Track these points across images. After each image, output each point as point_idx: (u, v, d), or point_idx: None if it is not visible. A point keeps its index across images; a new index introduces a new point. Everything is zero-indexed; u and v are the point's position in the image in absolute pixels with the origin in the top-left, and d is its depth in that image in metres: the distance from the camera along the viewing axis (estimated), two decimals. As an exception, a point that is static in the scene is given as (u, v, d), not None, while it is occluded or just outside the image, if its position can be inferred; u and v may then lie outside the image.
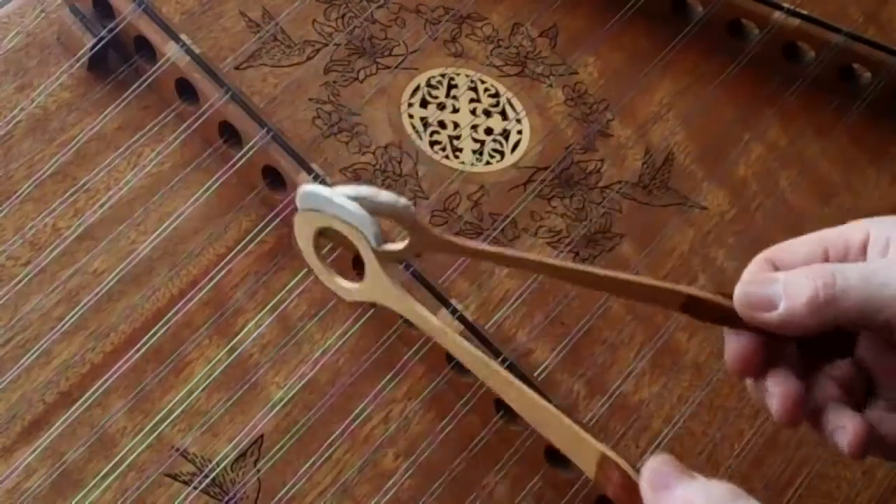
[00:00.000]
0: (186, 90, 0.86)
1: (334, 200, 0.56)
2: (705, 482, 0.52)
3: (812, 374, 0.60)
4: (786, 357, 0.59)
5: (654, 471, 0.53)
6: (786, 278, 0.58)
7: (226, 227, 0.84)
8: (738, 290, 0.58)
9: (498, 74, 0.94)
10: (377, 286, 0.57)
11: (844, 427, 0.58)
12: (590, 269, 0.58)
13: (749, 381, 0.60)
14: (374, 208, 0.56)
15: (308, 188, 0.56)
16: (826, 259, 0.59)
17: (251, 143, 0.83)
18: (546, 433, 0.57)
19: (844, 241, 0.60)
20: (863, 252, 0.59)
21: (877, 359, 0.60)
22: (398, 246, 0.58)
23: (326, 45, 0.92)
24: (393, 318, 0.81)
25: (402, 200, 0.57)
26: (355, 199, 0.56)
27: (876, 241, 0.59)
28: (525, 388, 0.56)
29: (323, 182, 0.81)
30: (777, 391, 0.58)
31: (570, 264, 0.59)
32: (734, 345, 0.59)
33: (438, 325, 0.57)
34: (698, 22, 0.96)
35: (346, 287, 0.59)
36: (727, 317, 0.58)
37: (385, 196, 0.56)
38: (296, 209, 0.58)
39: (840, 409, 0.59)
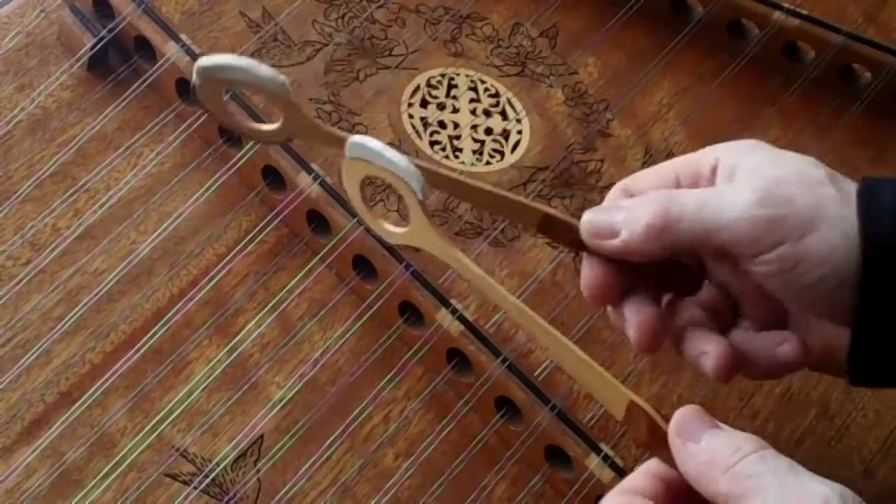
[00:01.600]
0: (186, 90, 0.86)
1: (385, 154, 0.58)
2: (731, 432, 0.52)
3: (675, 300, 0.61)
4: (644, 284, 0.59)
5: (682, 419, 0.53)
6: (629, 205, 0.58)
7: (226, 227, 0.84)
8: (585, 218, 0.59)
9: (498, 74, 0.94)
10: (422, 233, 0.60)
11: (707, 352, 0.59)
12: (458, 177, 0.61)
13: (609, 309, 0.61)
14: (252, 81, 0.59)
15: (359, 139, 0.59)
16: (677, 186, 0.60)
17: (251, 143, 0.83)
18: (579, 378, 0.58)
19: (696, 168, 0.61)
20: (712, 179, 0.60)
21: (733, 280, 0.61)
22: (271, 127, 0.62)
23: (326, 45, 0.92)
24: (393, 317, 0.81)
25: (281, 78, 0.59)
26: (231, 67, 0.59)
27: (724, 167, 0.60)
28: (559, 335, 0.57)
29: (323, 182, 0.82)
30: (633, 319, 0.59)
31: (445, 172, 0.61)
32: (588, 271, 0.59)
33: (479, 273, 0.59)
34: (698, 22, 0.96)
35: (391, 230, 0.62)
36: (581, 242, 0.59)
37: (265, 71, 0.58)
38: (344, 156, 0.60)
39: (702, 334, 0.60)
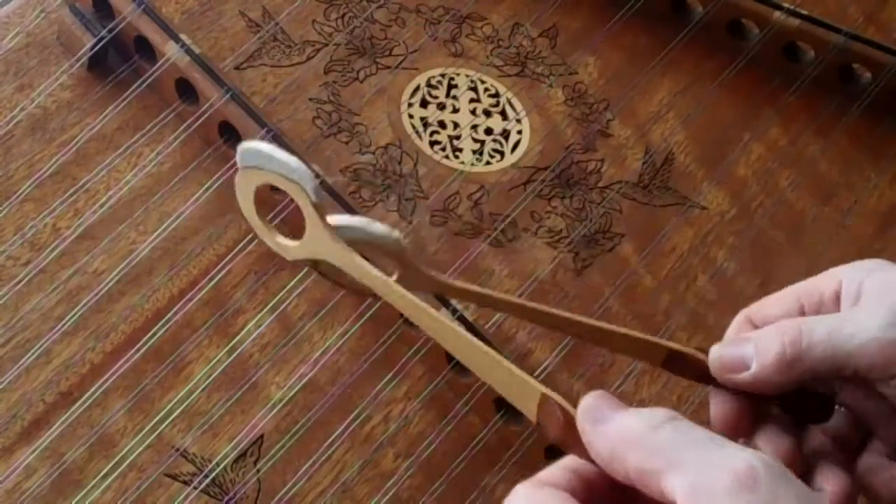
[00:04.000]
0: (186, 90, 0.86)
1: (274, 156, 0.55)
2: (640, 410, 0.50)
3: (802, 428, 0.60)
4: (775, 414, 0.58)
5: (589, 404, 0.51)
6: (756, 336, 0.57)
7: (226, 227, 0.84)
8: (713, 353, 0.58)
9: (498, 74, 0.94)
10: (318, 241, 0.56)
11: (823, 489, 0.57)
12: (577, 317, 0.58)
13: (741, 441, 0.59)
14: (366, 239, 0.56)
15: (247, 144, 0.55)
16: (802, 313, 0.59)
17: (251, 143, 0.83)
18: (489, 380, 0.55)
19: (818, 293, 0.59)
20: (836, 302, 0.59)
21: (866, 405, 0.59)
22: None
23: (326, 45, 0.92)
24: (393, 317, 0.81)
25: (395, 233, 0.56)
26: (347, 227, 0.56)
27: (848, 290, 0.58)
28: (468, 335, 0.54)
29: (323, 182, 0.81)
30: (768, 451, 0.57)
31: (556, 311, 0.58)
32: (718, 406, 0.58)
33: (380, 277, 0.56)
34: (698, 22, 0.96)
35: (286, 245, 0.58)
36: (709, 375, 0.58)
37: (378, 228, 0.56)
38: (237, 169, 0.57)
39: (825, 467, 0.58)
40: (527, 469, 0.78)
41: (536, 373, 0.80)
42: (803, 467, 0.59)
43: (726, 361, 0.57)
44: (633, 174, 0.91)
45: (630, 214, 0.90)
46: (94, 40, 0.86)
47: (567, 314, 0.58)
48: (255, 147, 0.56)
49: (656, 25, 0.97)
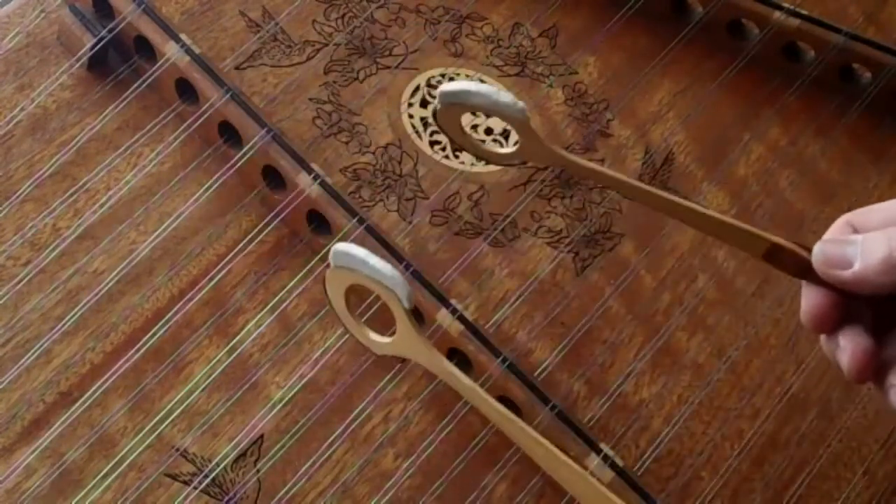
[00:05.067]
0: (186, 90, 0.86)
1: (369, 262, 0.58)
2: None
3: (885, 333, 0.62)
4: (860, 315, 0.60)
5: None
6: (863, 238, 0.59)
7: (226, 227, 0.84)
8: (817, 248, 0.60)
9: (498, 74, 0.94)
10: (409, 342, 0.60)
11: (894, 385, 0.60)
12: (686, 203, 0.61)
13: (823, 337, 0.62)
14: (493, 107, 0.60)
15: (343, 248, 0.58)
16: None
17: (251, 143, 0.83)
18: (576, 494, 0.59)
19: None
20: None
21: None
22: (506, 150, 0.65)
23: (326, 45, 0.92)
24: (393, 318, 0.81)
25: (520, 105, 0.61)
26: (474, 93, 0.60)
27: None
28: (553, 448, 0.58)
29: (322, 182, 0.81)
30: (849, 347, 0.60)
31: (663, 193, 0.61)
32: (811, 300, 0.61)
33: (469, 384, 0.59)
34: (698, 22, 0.96)
35: (377, 341, 0.62)
36: (806, 270, 0.60)
37: (504, 98, 0.61)
38: (328, 265, 0.60)
39: None
40: (527, 469, 0.78)
41: (536, 373, 0.80)
42: (882, 371, 0.61)
43: (830, 257, 0.59)
44: (633, 174, 0.91)
45: (630, 214, 0.90)
46: (94, 40, 0.86)
47: (679, 199, 0.61)
48: (349, 250, 0.58)
49: (656, 25, 0.97)
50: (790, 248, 0.61)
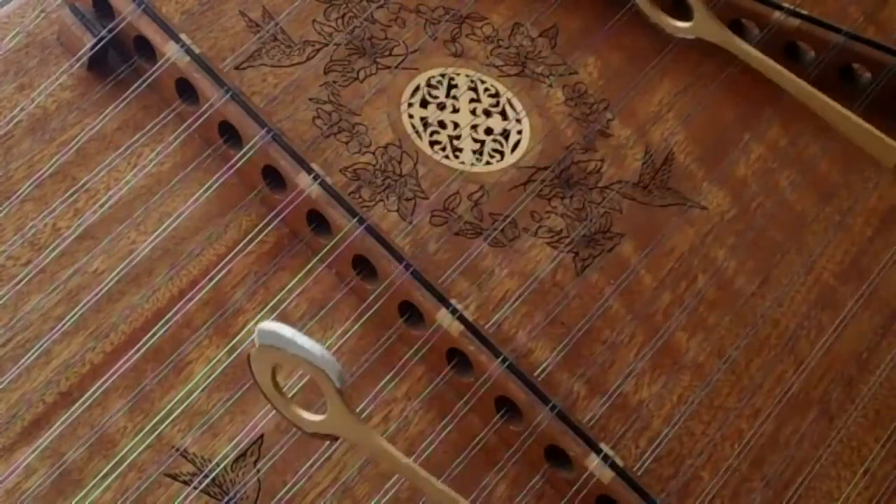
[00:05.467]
0: (186, 90, 0.86)
1: (296, 341, 0.56)
2: None
3: None
4: None
5: None
6: None
7: (226, 227, 0.84)
8: None
9: (498, 74, 0.94)
10: (341, 422, 0.59)
11: None
12: (826, 99, 0.58)
13: None
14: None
15: (269, 326, 0.57)
16: None
17: (251, 143, 0.83)
18: None
19: None
20: None
21: None
22: None
23: (326, 45, 0.92)
24: (393, 317, 0.81)
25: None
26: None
27: None
28: None
29: (322, 182, 0.81)
30: None
31: (816, 92, 0.59)
32: None
33: (405, 462, 0.60)
34: (698, 22, 0.96)
35: (307, 419, 0.61)
36: None
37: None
38: (254, 343, 0.58)
39: None
40: (527, 469, 0.78)
41: (536, 373, 0.80)
42: None
43: None
44: (633, 174, 0.91)
45: (630, 214, 0.90)
46: (94, 40, 0.86)
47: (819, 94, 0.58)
48: (275, 329, 0.57)
49: (656, 25, 0.97)
50: None
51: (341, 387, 0.57)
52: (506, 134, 0.91)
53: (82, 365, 0.78)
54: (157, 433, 0.76)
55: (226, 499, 0.75)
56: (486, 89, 0.93)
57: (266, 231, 0.84)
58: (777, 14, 0.94)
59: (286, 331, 0.56)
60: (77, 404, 0.76)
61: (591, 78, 0.96)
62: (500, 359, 0.78)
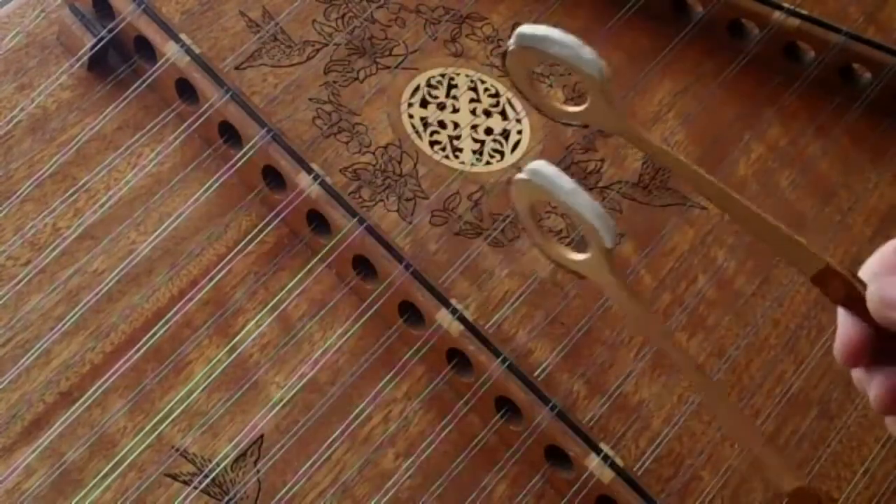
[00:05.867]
0: (186, 90, 0.86)
1: (578, 195, 0.54)
2: None
3: None
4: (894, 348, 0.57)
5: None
6: None
7: (226, 227, 0.84)
8: (873, 289, 0.56)
9: (498, 74, 0.94)
10: (598, 270, 0.56)
11: None
12: (743, 201, 0.57)
13: (855, 371, 0.58)
14: (572, 60, 0.58)
15: (536, 165, 0.55)
16: None
17: (251, 143, 0.83)
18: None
19: None
20: None
21: None
22: (575, 109, 0.61)
23: (326, 45, 0.92)
24: (393, 317, 0.81)
25: (601, 64, 0.59)
26: (559, 43, 0.57)
27: None
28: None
29: (322, 182, 0.81)
30: (884, 383, 0.56)
31: (731, 193, 0.58)
32: (847, 330, 0.57)
33: (645, 317, 0.58)
34: (698, 22, 0.96)
35: (568, 257, 0.58)
36: (853, 301, 0.56)
37: (588, 53, 0.58)
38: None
39: None
40: (527, 469, 0.78)
41: (536, 373, 0.80)
42: None
43: (888, 298, 0.55)
44: (633, 174, 0.91)
45: (630, 214, 0.90)
46: (94, 40, 0.86)
47: (739, 198, 0.58)
48: (541, 169, 0.55)
49: (656, 25, 0.97)
50: (844, 275, 0.56)
51: (611, 247, 0.55)
52: (506, 134, 0.92)
53: (82, 365, 0.78)
54: (157, 433, 0.76)
55: (226, 499, 0.75)
56: (486, 89, 0.93)
57: (266, 231, 0.84)
58: (777, 14, 0.94)
59: (550, 169, 0.54)
60: (77, 404, 0.76)
61: (591, 78, 0.95)
62: (500, 359, 0.78)
